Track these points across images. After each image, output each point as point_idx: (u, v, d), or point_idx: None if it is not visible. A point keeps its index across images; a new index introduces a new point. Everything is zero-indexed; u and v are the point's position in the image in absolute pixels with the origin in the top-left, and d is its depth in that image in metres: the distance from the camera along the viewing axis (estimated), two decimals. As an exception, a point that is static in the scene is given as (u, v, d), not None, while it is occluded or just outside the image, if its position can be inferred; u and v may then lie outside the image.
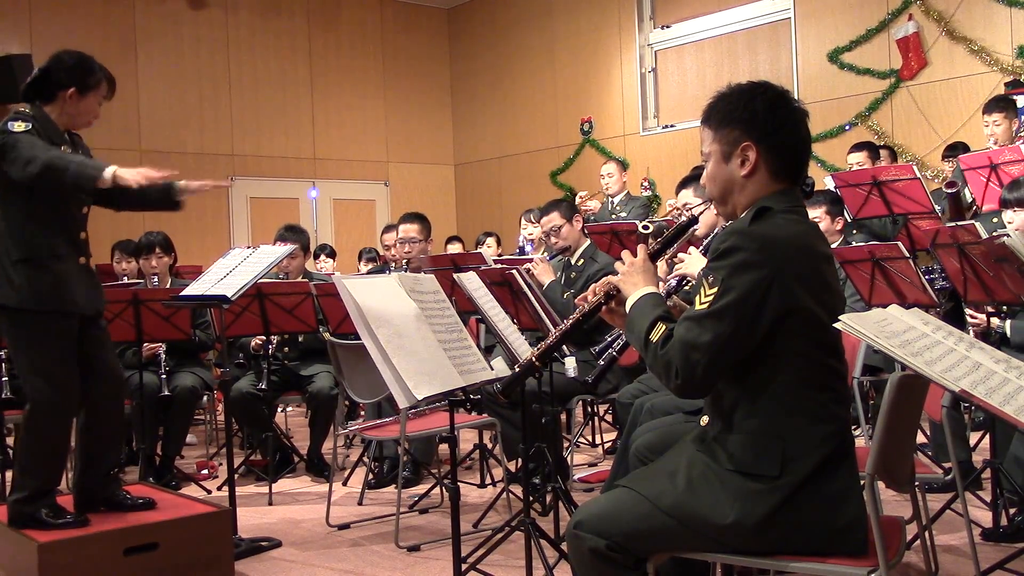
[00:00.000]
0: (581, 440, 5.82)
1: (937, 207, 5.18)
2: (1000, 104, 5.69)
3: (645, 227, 4.83)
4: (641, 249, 2.29)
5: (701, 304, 2.01)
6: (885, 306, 2.11)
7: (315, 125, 11.25)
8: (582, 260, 4.91)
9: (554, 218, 4.92)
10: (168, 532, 3.37)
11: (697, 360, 1.99)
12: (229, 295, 3.72)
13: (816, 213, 4.93)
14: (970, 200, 5.38)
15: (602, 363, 2.94)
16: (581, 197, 8.04)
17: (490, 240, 7.95)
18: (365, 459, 5.21)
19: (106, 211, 3.72)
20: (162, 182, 3.41)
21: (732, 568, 2.43)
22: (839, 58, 8.44)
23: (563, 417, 5.05)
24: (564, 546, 2.80)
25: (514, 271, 3.86)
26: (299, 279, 5.37)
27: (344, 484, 5.07)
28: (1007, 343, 3.76)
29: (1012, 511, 3.62)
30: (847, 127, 8.38)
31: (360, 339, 2.78)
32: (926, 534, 2.72)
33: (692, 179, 4.11)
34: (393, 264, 6.46)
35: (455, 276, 3.64)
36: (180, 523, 3.44)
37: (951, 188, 5.20)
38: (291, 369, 5.36)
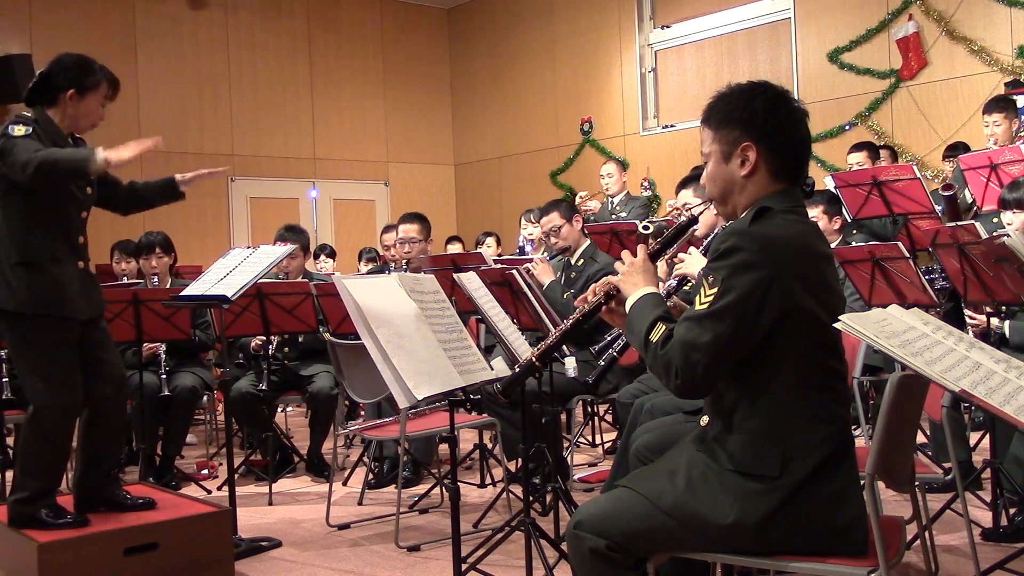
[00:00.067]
0: (581, 440, 5.82)
1: (937, 207, 5.18)
2: (1000, 104, 5.69)
3: (645, 227, 4.82)
4: (641, 249, 2.29)
5: (701, 304, 2.01)
6: (885, 306, 2.11)
7: (315, 125, 11.25)
8: (582, 260, 4.91)
9: (554, 218, 4.92)
10: (168, 532, 3.38)
11: (697, 360, 1.99)
12: (229, 295, 3.72)
13: (813, 213, 4.92)
14: (970, 201, 5.38)
15: (602, 363, 2.94)
16: (581, 197, 8.04)
17: (490, 240, 7.95)
18: (365, 459, 5.21)
19: (106, 211, 3.73)
20: (161, 179, 3.41)
21: (732, 568, 2.43)
22: (839, 58, 8.44)
23: (563, 417, 5.05)
24: (564, 546, 2.80)
25: (514, 271, 3.86)
26: (299, 279, 5.37)
27: (344, 484, 5.07)
28: (1006, 344, 3.76)
29: (1012, 511, 3.62)
30: (847, 127, 8.38)
31: (360, 339, 2.78)
32: (926, 534, 2.72)
33: (692, 179, 4.11)
34: (393, 264, 6.46)
35: (455, 276, 3.63)
36: (180, 523, 3.44)
37: (947, 191, 5.20)
38: (291, 369, 5.36)
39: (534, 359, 2.48)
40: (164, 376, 5.12)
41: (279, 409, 6.30)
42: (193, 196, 3.64)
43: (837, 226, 5.19)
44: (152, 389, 5.05)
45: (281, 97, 10.97)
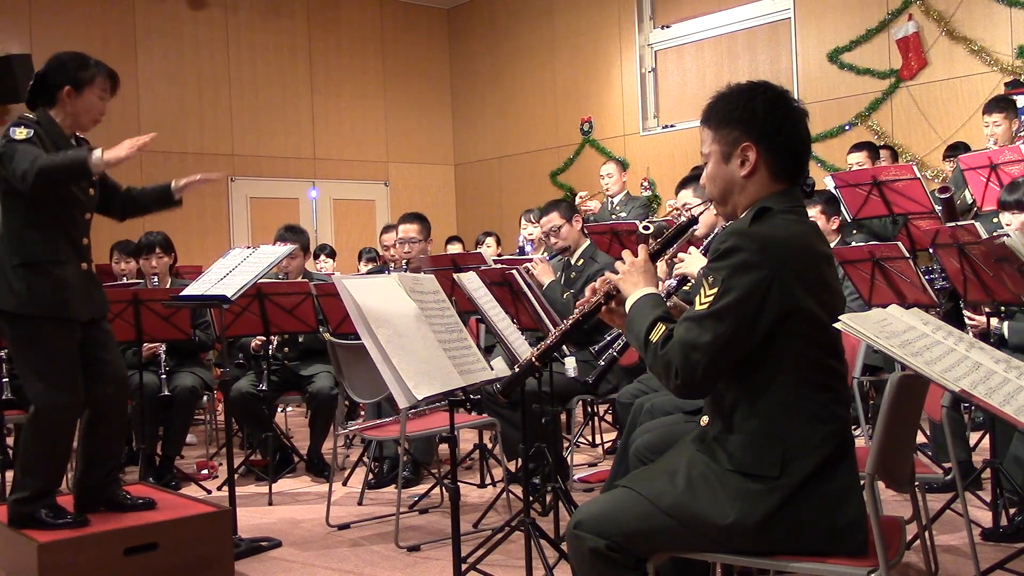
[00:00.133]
0: (581, 440, 5.82)
1: (937, 207, 5.18)
2: (1000, 104, 5.69)
3: (645, 227, 4.83)
4: (641, 249, 2.29)
5: (701, 304, 2.01)
6: (885, 306, 2.11)
7: (315, 125, 11.25)
8: (582, 260, 4.91)
9: (553, 218, 4.92)
10: (168, 532, 3.38)
11: (697, 360, 1.99)
12: (229, 295, 3.72)
13: (811, 213, 4.92)
14: (971, 201, 5.38)
15: (602, 363, 2.94)
16: (581, 197, 8.05)
17: (490, 240, 7.95)
18: (365, 459, 5.21)
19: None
20: (158, 184, 3.41)
21: (732, 568, 2.43)
22: (839, 58, 8.44)
23: (563, 417, 5.05)
24: (564, 546, 2.80)
25: (514, 271, 3.86)
26: (299, 279, 5.37)
27: (344, 484, 5.07)
28: (1005, 345, 3.76)
29: (1012, 511, 3.61)
30: (847, 127, 8.38)
31: (360, 339, 2.78)
32: (926, 534, 2.72)
33: (692, 179, 4.11)
34: (392, 264, 6.46)
35: (455, 276, 3.63)
36: (180, 523, 3.44)
37: (944, 194, 5.21)
38: (291, 369, 5.36)
39: (534, 359, 2.49)
40: (164, 376, 5.12)
41: (279, 409, 6.30)
42: (193, 196, 3.64)
43: (835, 226, 5.19)
44: (152, 389, 5.05)
45: (281, 97, 10.97)
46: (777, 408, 2.03)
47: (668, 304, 2.27)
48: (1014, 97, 6.20)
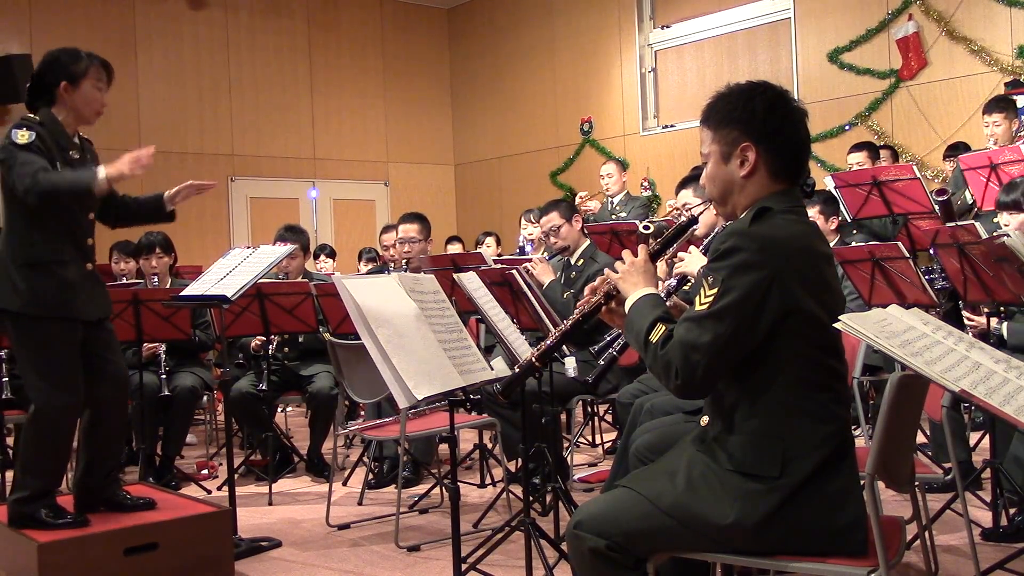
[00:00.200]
0: (581, 440, 5.82)
1: (937, 207, 5.18)
2: (1000, 104, 5.69)
3: (646, 227, 4.83)
4: (641, 249, 2.29)
5: (701, 305, 2.01)
6: (885, 306, 2.11)
7: (315, 125, 11.25)
8: (582, 260, 4.91)
9: (553, 218, 4.92)
10: (168, 532, 3.38)
11: (697, 361, 1.99)
12: (229, 295, 3.72)
13: (810, 213, 4.92)
14: (971, 202, 5.38)
15: (602, 363, 2.94)
16: (581, 197, 8.05)
17: (490, 240, 7.95)
18: (365, 459, 5.21)
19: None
20: (151, 195, 3.42)
21: (732, 568, 2.43)
22: (839, 58, 8.44)
23: (563, 417, 5.05)
24: (564, 546, 2.80)
25: (514, 271, 3.86)
26: (299, 279, 5.37)
27: (344, 484, 5.07)
28: (1004, 345, 3.76)
29: (1012, 511, 3.61)
30: (847, 127, 8.38)
31: (360, 339, 2.78)
32: (926, 534, 2.72)
33: (692, 179, 4.11)
34: (392, 264, 6.46)
35: (455, 276, 3.63)
36: (180, 523, 3.44)
37: (941, 196, 5.21)
38: (291, 369, 5.36)
39: (534, 359, 2.49)
40: (164, 376, 5.12)
41: (279, 409, 6.30)
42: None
43: (834, 226, 5.20)
44: (152, 389, 5.05)
45: (281, 97, 10.97)
46: (777, 408, 2.03)
47: (668, 304, 2.27)
48: (1014, 97, 6.20)
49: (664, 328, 2.07)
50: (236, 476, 4.28)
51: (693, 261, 3.38)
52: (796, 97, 2.20)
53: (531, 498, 3.47)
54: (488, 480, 4.92)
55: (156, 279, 5.49)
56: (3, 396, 4.79)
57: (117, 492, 3.58)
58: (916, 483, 2.52)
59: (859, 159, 6.31)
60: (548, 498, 4.17)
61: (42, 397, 3.31)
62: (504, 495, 4.30)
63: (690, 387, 2.02)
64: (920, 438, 4.31)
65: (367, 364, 3.21)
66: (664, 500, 2.07)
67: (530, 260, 5.17)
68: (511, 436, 4.47)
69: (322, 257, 8.15)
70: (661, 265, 3.60)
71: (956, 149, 6.47)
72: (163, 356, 5.18)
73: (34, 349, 3.33)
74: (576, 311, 2.39)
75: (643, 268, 2.25)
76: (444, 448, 4.97)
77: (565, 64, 10.93)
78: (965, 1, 7.66)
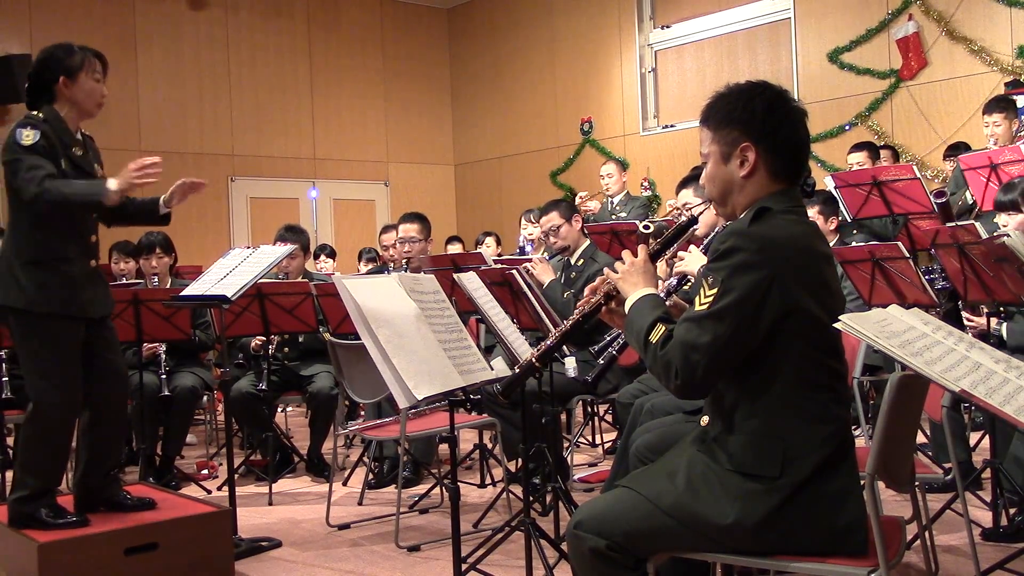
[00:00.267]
0: (581, 440, 5.82)
1: (936, 208, 5.18)
2: (1000, 104, 5.69)
3: (646, 227, 4.83)
4: (641, 249, 2.29)
5: (700, 305, 2.01)
6: (885, 306, 2.11)
7: (315, 125, 11.25)
8: (582, 260, 4.91)
9: (553, 218, 4.92)
10: (168, 532, 3.38)
11: (697, 361, 1.99)
12: (229, 295, 3.72)
13: (810, 213, 4.92)
14: (971, 202, 5.38)
15: (601, 362, 2.94)
16: (581, 197, 8.04)
17: (490, 240, 7.95)
18: (365, 459, 5.21)
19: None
20: (148, 197, 3.43)
21: (732, 568, 2.43)
22: (839, 58, 8.44)
23: (563, 417, 5.05)
24: (564, 546, 2.80)
25: (514, 271, 3.86)
26: (299, 279, 5.37)
27: (344, 484, 5.07)
28: (1003, 346, 3.76)
29: (1012, 511, 3.62)
30: (847, 127, 8.38)
31: (360, 339, 2.78)
32: (926, 534, 2.72)
33: (692, 179, 4.11)
34: (392, 264, 6.46)
35: (455, 276, 3.63)
36: (180, 523, 3.44)
37: (940, 198, 5.21)
38: (291, 369, 5.36)
39: (534, 360, 2.49)
40: (164, 376, 5.12)
41: (279, 409, 6.30)
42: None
43: (833, 226, 5.20)
44: (152, 389, 5.05)
45: (281, 97, 10.97)
46: (777, 408, 2.03)
47: (668, 303, 2.27)
48: (1014, 97, 6.20)
49: (664, 328, 2.07)
50: (236, 476, 4.28)
51: (693, 260, 3.38)
52: (796, 97, 2.20)
53: (531, 498, 3.47)
54: (488, 480, 4.92)
55: (156, 279, 5.49)
56: (3, 396, 4.79)
57: (117, 492, 3.58)
58: (916, 483, 2.52)
59: (859, 159, 6.31)
60: (548, 498, 4.17)
61: (42, 394, 3.31)
62: (504, 495, 4.29)
63: (690, 387, 2.03)
64: (920, 438, 4.31)
65: (367, 364, 3.21)
66: (664, 500, 2.07)
67: (530, 260, 5.17)
68: (511, 436, 4.47)
69: (322, 257, 8.15)
70: (661, 265, 3.60)
71: (956, 149, 6.47)
72: (163, 356, 5.18)
73: (37, 346, 3.33)
74: (576, 311, 2.39)
75: (643, 268, 2.25)
76: (444, 448, 4.97)
77: (565, 64, 10.93)
78: (965, 1, 7.66)
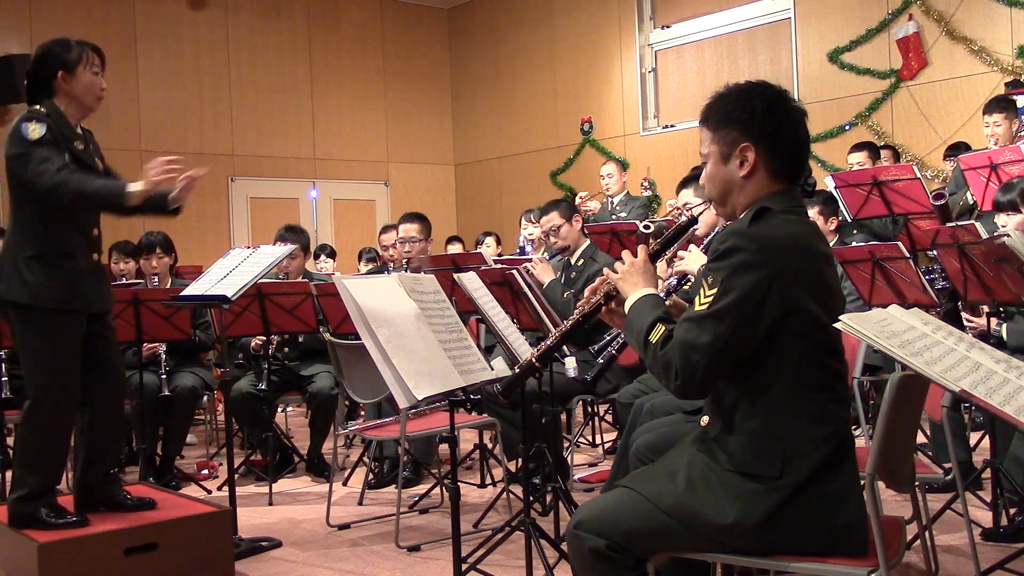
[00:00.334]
0: (581, 440, 5.82)
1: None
2: (1000, 104, 5.69)
3: (646, 227, 4.82)
4: (641, 249, 2.29)
5: (700, 305, 2.01)
6: (885, 306, 2.11)
7: (315, 125, 11.25)
8: (582, 260, 4.91)
9: (553, 218, 4.92)
10: (168, 532, 3.38)
11: (697, 361, 1.99)
12: (229, 295, 3.72)
13: (810, 213, 4.92)
14: (972, 202, 5.38)
15: (601, 362, 2.94)
16: (581, 197, 8.04)
17: (490, 240, 7.95)
18: (365, 459, 5.21)
19: (104, 213, 3.72)
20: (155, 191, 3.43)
21: (732, 568, 2.43)
22: (839, 58, 8.44)
23: (563, 417, 5.05)
24: (564, 546, 2.80)
25: (514, 271, 3.86)
26: (299, 279, 5.37)
27: (344, 484, 5.07)
28: (1004, 346, 3.76)
29: (1012, 511, 3.62)
30: (847, 127, 8.38)
31: (360, 339, 2.78)
32: (926, 534, 2.72)
33: (692, 179, 4.11)
34: (392, 264, 6.46)
35: (455, 276, 3.63)
36: (180, 523, 3.44)
37: (939, 200, 5.21)
38: (291, 369, 5.36)
39: (534, 360, 2.49)
40: (164, 376, 5.12)
41: (279, 409, 6.30)
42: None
43: (833, 226, 5.20)
44: (152, 389, 5.05)
45: (281, 97, 10.97)
46: (777, 408, 2.03)
47: (667, 303, 2.27)
48: (1014, 97, 6.20)
49: (664, 328, 2.07)
50: (236, 476, 4.28)
51: (693, 259, 3.38)
52: (796, 97, 2.21)
53: (531, 498, 3.47)
54: (488, 480, 4.92)
55: (156, 279, 5.49)
56: (3, 396, 4.79)
57: (117, 492, 3.58)
58: (916, 483, 2.52)
59: (859, 159, 6.31)
60: (548, 498, 4.17)
61: (40, 390, 3.30)
62: (504, 495, 4.30)
63: (690, 387, 2.03)
64: (920, 438, 4.31)
65: (367, 364, 3.21)
66: (664, 500, 2.07)
67: (530, 260, 5.17)
68: (511, 436, 4.47)
69: (322, 257, 8.15)
70: (661, 265, 3.60)
71: (956, 149, 6.47)
72: (163, 356, 5.18)
73: (38, 342, 3.32)
74: (576, 311, 2.39)
75: (643, 268, 2.25)
76: (444, 448, 4.97)
77: (565, 64, 10.93)
78: (965, 1, 7.66)
